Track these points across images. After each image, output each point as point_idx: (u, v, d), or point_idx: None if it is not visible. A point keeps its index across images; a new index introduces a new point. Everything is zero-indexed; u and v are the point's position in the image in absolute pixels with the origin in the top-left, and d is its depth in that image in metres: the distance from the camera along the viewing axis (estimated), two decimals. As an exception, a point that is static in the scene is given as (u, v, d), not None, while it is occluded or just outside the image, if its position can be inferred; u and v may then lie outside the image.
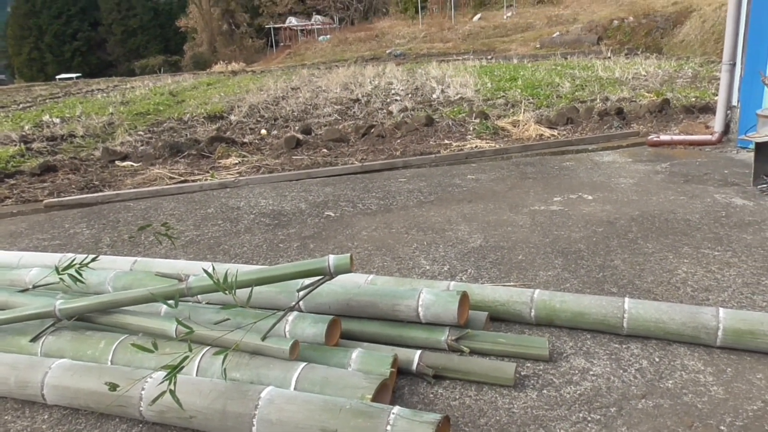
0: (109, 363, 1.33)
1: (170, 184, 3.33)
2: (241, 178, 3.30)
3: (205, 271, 1.20)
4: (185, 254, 2.19)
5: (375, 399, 1.14)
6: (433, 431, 1.00)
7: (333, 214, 2.56)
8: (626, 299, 1.43)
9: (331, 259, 1.28)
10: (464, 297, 1.39)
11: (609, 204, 2.43)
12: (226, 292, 1.21)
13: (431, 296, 1.39)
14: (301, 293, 1.35)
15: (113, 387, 1.04)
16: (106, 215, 2.82)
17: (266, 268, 1.32)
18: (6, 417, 1.28)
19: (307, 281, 1.45)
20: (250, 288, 1.27)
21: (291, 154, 4.06)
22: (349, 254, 1.28)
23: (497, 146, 3.73)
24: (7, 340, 1.45)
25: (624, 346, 1.39)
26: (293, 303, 1.39)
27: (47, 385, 1.26)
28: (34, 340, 1.41)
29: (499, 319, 1.52)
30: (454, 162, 3.41)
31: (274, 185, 3.15)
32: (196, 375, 1.25)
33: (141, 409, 1.17)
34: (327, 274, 1.29)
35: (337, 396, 1.13)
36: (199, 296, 1.58)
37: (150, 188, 3.23)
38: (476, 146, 3.79)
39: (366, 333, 1.42)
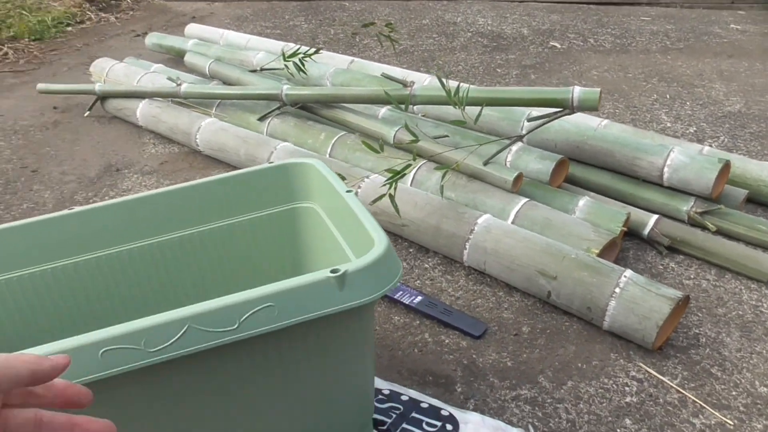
0: (328, 156, 1.33)
1: (387, -10, 3.19)
2: (460, -8, 3.05)
3: (439, 78, 1.09)
4: (398, 63, 2.11)
5: (600, 256, 1.01)
6: (670, 309, 0.87)
7: (559, 46, 2.28)
8: None
9: (577, 91, 1.10)
10: (726, 167, 1.16)
11: None
12: (456, 105, 1.10)
13: (684, 157, 1.17)
14: (532, 123, 1.21)
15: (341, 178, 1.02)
16: (323, 12, 2.80)
17: (499, 89, 1.18)
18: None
19: (535, 112, 1.30)
20: (480, 106, 1.15)
21: (515, -26, 3.66)
22: (598, 89, 1.09)
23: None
24: (238, 115, 1.51)
25: None
26: (520, 132, 1.25)
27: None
28: (261, 119, 1.45)
29: (759, 202, 1.27)
30: (715, 5, 2.84)
31: (494, 4, 2.88)
32: (411, 186, 1.21)
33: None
34: (567, 108, 1.12)
35: (559, 242, 1.03)
36: (415, 108, 1.50)
37: (367, -9, 3.12)
38: (743, -8, 3.11)
39: (593, 183, 1.27)
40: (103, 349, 0.49)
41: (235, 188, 0.82)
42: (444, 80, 1.13)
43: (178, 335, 0.51)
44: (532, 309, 1.01)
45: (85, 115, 1.86)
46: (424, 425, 0.70)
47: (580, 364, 0.90)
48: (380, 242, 0.56)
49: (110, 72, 1.91)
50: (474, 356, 0.92)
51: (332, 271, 0.52)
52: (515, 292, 1.05)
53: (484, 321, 0.99)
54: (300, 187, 0.83)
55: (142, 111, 1.68)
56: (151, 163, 1.58)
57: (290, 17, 2.72)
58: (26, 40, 2.54)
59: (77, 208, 0.77)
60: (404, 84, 1.24)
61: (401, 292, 1.04)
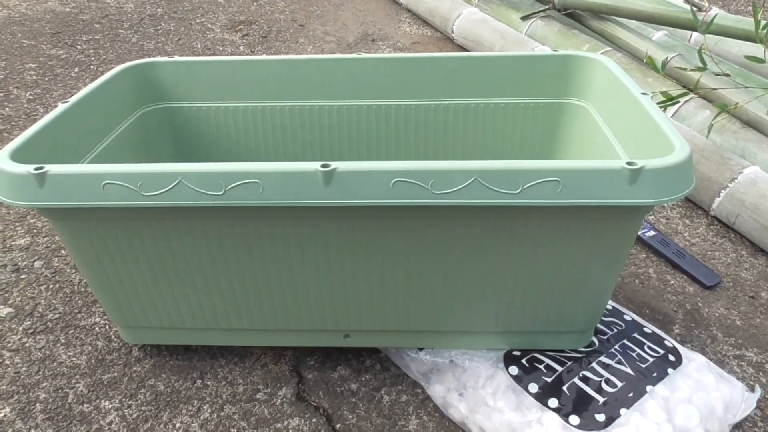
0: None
1: None
2: None
3: (754, 6, 0.98)
4: None
5: None
6: None
7: None
8: None
9: None
10: None
11: None
12: (763, 41, 0.98)
13: None
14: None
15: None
16: None
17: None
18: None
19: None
20: (786, 49, 1.01)
21: None
22: None
23: None
24: (501, 10, 1.49)
25: None
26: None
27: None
28: (525, 18, 1.42)
29: None
30: None
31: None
32: (671, 118, 1.13)
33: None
34: None
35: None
36: (691, 40, 1.37)
37: None
38: None
39: None
40: (395, 180, 0.54)
41: (506, 68, 0.83)
42: (757, 10, 1.01)
43: (464, 185, 0.54)
44: (778, 278, 0.93)
45: (352, -17, 1.96)
46: (646, 348, 0.69)
47: (823, 349, 0.82)
48: (682, 148, 0.54)
49: (384, -54, 1.97)
50: (699, 304, 0.88)
51: (628, 163, 0.52)
52: (761, 255, 0.96)
53: (719, 274, 0.93)
54: (576, 82, 0.81)
55: (407, -11, 1.73)
56: (404, 41, 1.64)
57: None
58: None
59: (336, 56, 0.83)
60: (700, 8, 1.13)
61: (634, 221, 1.00)
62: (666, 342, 0.71)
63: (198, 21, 1.74)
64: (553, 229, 0.58)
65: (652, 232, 0.98)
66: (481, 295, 0.64)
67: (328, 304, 0.66)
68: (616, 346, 0.69)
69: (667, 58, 1.09)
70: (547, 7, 1.39)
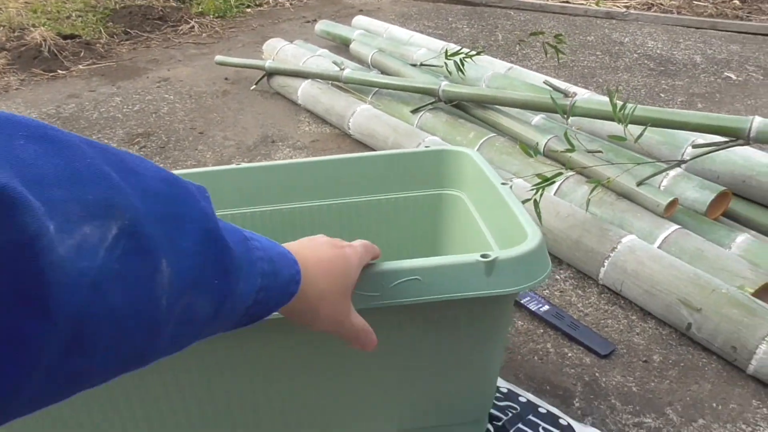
0: (474, 155, 1.35)
1: (554, 2, 3.13)
2: (631, 12, 2.93)
3: (609, 92, 1.07)
4: (557, 76, 2.07)
5: (755, 297, 0.94)
6: (832, 366, 0.79)
7: (734, 77, 2.12)
8: None
9: (757, 122, 1.03)
10: None
11: None
12: (620, 122, 1.07)
13: None
14: (697, 150, 1.14)
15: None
16: (486, 18, 2.81)
17: (668, 110, 1.13)
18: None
19: (701, 140, 1.23)
20: (644, 126, 1.11)
21: (694, -3, 3.45)
22: (780, 122, 1.01)
23: None
24: (392, 105, 1.57)
25: None
26: (681, 157, 1.19)
27: (419, 154, 1.34)
28: (414, 111, 1.49)
29: None
30: None
31: (667, 28, 2.73)
32: (554, 195, 1.19)
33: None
34: (742, 138, 1.05)
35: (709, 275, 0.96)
36: (569, 121, 1.47)
37: (534, 1, 3.08)
38: None
39: (756, 222, 1.17)
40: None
41: (386, 166, 0.86)
42: (612, 95, 1.10)
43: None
44: (666, 338, 0.96)
45: (252, 88, 2.02)
46: (541, 429, 0.69)
47: (715, 405, 0.84)
48: (534, 236, 0.57)
49: (280, 52, 2.05)
50: (597, 374, 0.89)
51: (482, 256, 0.54)
52: (650, 318, 1.00)
53: (613, 342, 0.95)
54: (451, 174, 0.85)
55: (303, 90, 1.79)
56: (304, 139, 1.68)
57: (453, 20, 2.76)
58: (211, 16, 2.80)
59: (244, 165, 0.84)
60: (566, 94, 1.22)
61: (528, 298, 1.03)
62: (561, 420, 0.71)
63: (94, 137, 1.73)
64: (423, 324, 0.58)
65: (547, 307, 1.01)
66: (367, 397, 0.63)
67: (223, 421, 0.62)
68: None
69: (537, 144, 1.16)
70: (434, 100, 1.47)
